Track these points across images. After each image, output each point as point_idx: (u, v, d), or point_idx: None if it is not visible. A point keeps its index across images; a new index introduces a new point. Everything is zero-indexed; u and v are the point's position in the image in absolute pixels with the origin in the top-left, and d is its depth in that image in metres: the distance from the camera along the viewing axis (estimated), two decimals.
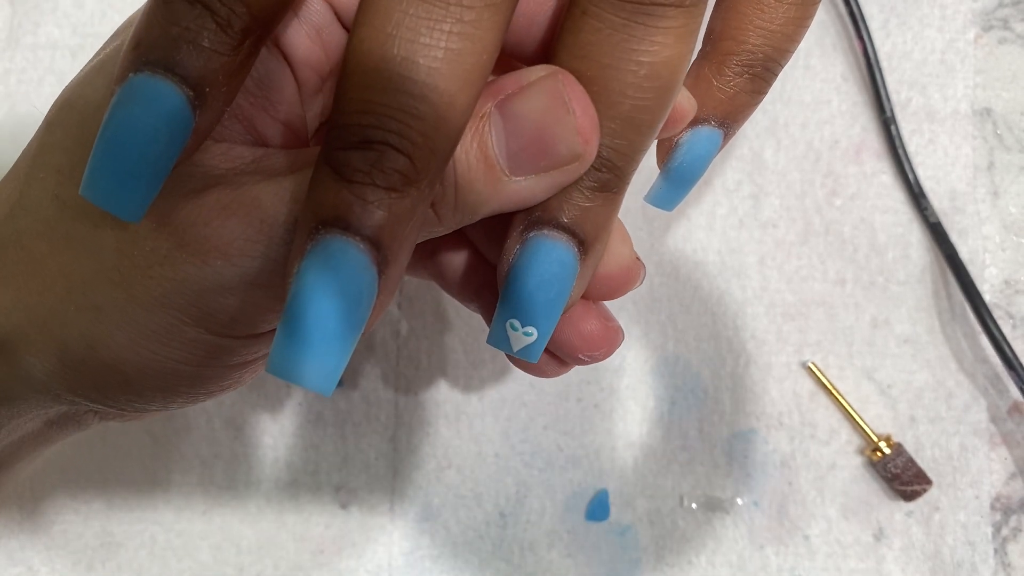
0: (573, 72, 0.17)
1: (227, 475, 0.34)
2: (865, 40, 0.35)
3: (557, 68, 0.17)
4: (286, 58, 0.20)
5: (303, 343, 0.15)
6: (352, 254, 0.15)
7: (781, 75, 0.22)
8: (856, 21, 0.35)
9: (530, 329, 0.19)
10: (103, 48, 0.20)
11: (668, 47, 0.17)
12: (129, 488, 0.34)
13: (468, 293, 0.24)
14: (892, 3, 0.36)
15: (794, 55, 0.23)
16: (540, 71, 0.17)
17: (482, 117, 0.17)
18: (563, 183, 0.18)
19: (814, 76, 0.36)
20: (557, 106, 0.17)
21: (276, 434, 0.35)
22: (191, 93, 0.16)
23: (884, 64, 0.36)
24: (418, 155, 0.15)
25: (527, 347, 0.19)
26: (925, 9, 0.36)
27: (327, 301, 0.15)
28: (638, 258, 0.21)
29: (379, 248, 0.15)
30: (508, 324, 0.19)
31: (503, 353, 0.20)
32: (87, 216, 0.18)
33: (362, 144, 0.15)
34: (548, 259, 0.18)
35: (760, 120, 0.36)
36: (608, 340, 0.21)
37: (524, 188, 0.18)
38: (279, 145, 0.20)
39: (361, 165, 0.15)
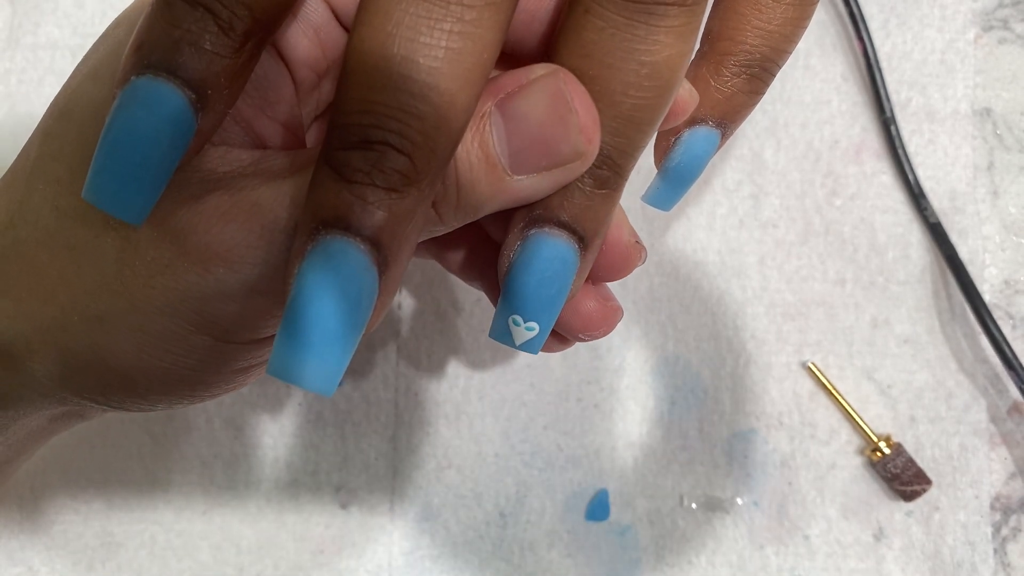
0: (574, 70, 0.17)
1: (227, 475, 0.34)
2: (865, 40, 0.35)
3: (558, 67, 0.17)
4: (284, 58, 0.20)
5: (304, 344, 0.15)
6: (352, 255, 0.15)
7: (781, 75, 0.22)
8: (856, 21, 0.35)
9: (532, 324, 0.19)
10: (94, 51, 0.20)
11: (669, 46, 0.17)
12: (129, 488, 0.34)
13: (472, 273, 0.24)
14: (892, 3, 0.36)
15: (794, 55, 0.22)
16: (540, 69, 0.17)
17: (483, 116, 0.17)
18: (565, 181, 0.18)
19: (814, 76, 0.36)
20: (559, 105, 0.17)
21: (276, 434, 0.35)
22: (193, 95, 0.16)
23: (884, 64, 0.36)
24: (418, 155, 0.15)
25: (529, 341, 0.19)
26: (925, 9, 0.36)
27: (328, 302, 0.15)
28: (637, 240, 0.21)
29: (379, 249, 0.15)
30: (510, 320, 0.19)
31: (503, 350, 0.20)
32: (88, 226, 0.18)
33: (362, 144, 0.15)
34: (549, 256, 0.18)
35: (760, 120, 0.36)
36: (607, 319, 0.21)
37: (526, 187, 0.18)
38: (278, 146, 0.20)
39: (361, 165, 0.15)
